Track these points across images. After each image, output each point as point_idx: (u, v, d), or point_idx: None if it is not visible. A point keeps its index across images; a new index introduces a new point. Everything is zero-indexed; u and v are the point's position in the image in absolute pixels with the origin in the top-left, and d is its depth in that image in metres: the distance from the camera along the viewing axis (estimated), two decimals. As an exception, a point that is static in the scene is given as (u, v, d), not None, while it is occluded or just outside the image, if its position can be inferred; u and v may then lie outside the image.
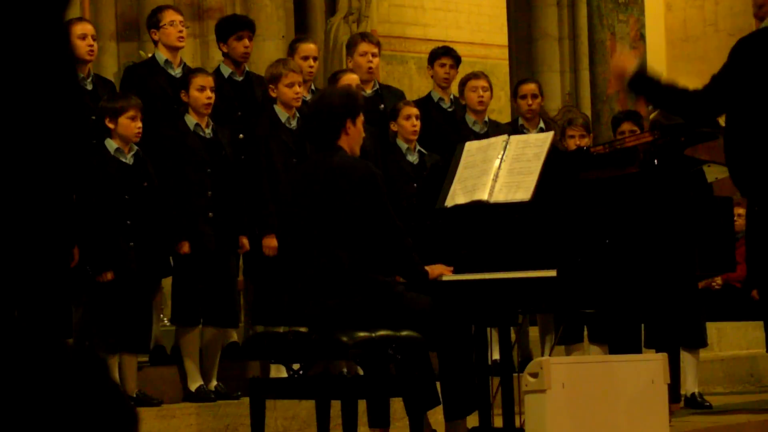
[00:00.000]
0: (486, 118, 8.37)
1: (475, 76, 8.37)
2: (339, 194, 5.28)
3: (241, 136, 7.26)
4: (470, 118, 8.29)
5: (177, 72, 7.40)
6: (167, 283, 7.48)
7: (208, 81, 7.02)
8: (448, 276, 5.57)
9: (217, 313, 6.94)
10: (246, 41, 7.62)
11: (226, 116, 7.26)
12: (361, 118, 5.50)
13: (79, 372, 1.64)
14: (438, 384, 5.55)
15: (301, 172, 5.59)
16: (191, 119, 6.97)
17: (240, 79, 7.64)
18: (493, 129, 8.14)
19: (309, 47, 7.91)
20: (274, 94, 7.26)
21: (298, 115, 7.30)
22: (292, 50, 7.93)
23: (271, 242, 7.08)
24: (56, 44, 1.64)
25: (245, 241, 7.07)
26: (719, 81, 5.67)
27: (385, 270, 5.40)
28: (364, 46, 8.07)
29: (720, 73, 5.68)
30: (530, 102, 8.53)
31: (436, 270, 5.55)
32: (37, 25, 1.61)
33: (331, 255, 5.26)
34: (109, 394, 1.67)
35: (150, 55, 7.92)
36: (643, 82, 5.68)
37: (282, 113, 7.25)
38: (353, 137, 5.45)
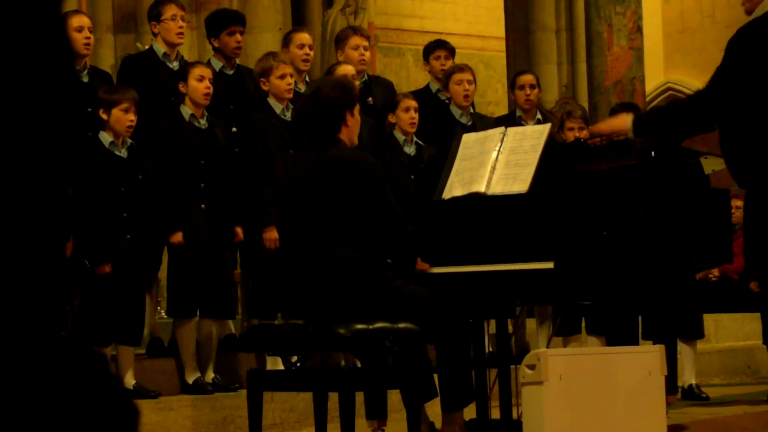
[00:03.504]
0: (471, 111, 8.37)
1: (459, 69, 8.36)
2: (338, 188, 5.22)
3: (234, 129, 7.26)
4: (456, 110, 8.30)
5: (174, 65, 7.40)
6: (163, 275, 7.47)
7: (207, 72, 7.03)
8: (448, 268, 5.57)
9: (214, 305, 6.94)
10: (238, 36, 7.62)
11: (217, 110, 7.25)
12: (357, 108, 5.43)
13: (78, 366, 1.64)
14: (435, 376, 5.55)
15: (297, 166, 5.45)
16: (187, 110, 6.97)
17: (231, 72, 7.64)
18: (479, 121, 8.16)
19: (303, 36, 7.91)
20: (266, 88, 7.26)
21: (291, 106, 7.30)
22: (286, 41, 7.94)
23: (271, 235, 7.07)
24: (53, 36, 1.63)
25: (239, 230, 7.07)
26: (722, 76, 5.65)
27: (383, 264, 5.39)
28: (356, 40, 8.08)
29: (721, 68, 5.66)
30: (528, 92, 8.54)
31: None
32: (34, 16, 1.61)
33: (329, 250, 5.24)
34: (109, 389, 1.67)
35: (147, 46, 7.92)
36: (644, 125, 5.59)
37: (276, 105, 7.25)
38: (352, 128, 5.38)
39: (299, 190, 5.32)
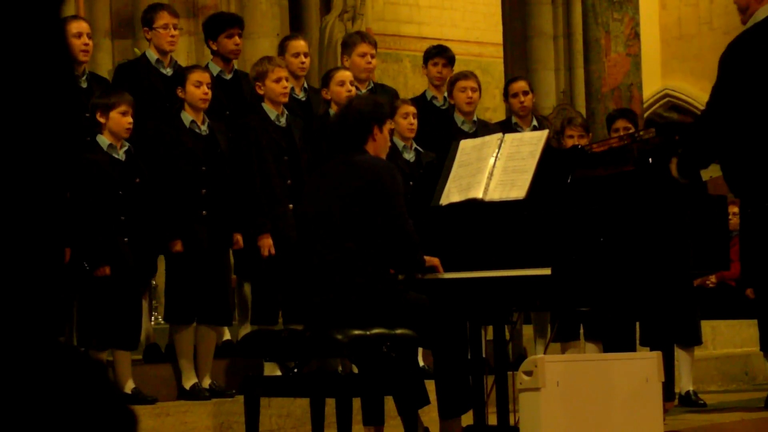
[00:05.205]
0: (475, 118, 8.38)
1: (464, 76, 8.38)
2: (355, 189, 5.32)
3: (230, 135, 7.25)
4: (459, 117, 8.31)
5: (168, 71, 7.39)
6: (161, 281, 7.46)
7: (205, 77, 7.01)
8: (443, 274, 5.57)
9: (211, 311, 6.93)
10: (236, 38, 7.61)
11: (215, 115, 7.25)
12: (387, 126, 5.61)
13: (77, 372, 1.64)
14: (432, 382, 5.55)
15: (322, 170, 5.65)
16: (187, 116, 6.96)
17: (229, 77, 7.63)
18: (482, 128, 8.17)
19: (299, 44, 7.91)
20: (261, 92, 7.25)
21: (286, 112, 7.30)
22: (282, 48, 7.93)
23: (266, 241, 7.07)
24: (53, 41, 1.63)
25: (239, 237, 7.06)
26: (721, 93, 5.64)
27: (387, 267, 5.42)
28: (363, 47, 8.08)
29: (717, 85, 5.66)
30: (522, 99, 8.55)
31: (433, 261, 5.56)
32: (34, 21, 1.61)
33: (341, 248, 5.29)
34: (107, 395, 1.67)
35: (142, 52, 7.92)
36: (687, 168, 5.75)
37: (271, 111, 7.24)
38: (379, 143, 5.54)
39: (316, 189, 5.47)
